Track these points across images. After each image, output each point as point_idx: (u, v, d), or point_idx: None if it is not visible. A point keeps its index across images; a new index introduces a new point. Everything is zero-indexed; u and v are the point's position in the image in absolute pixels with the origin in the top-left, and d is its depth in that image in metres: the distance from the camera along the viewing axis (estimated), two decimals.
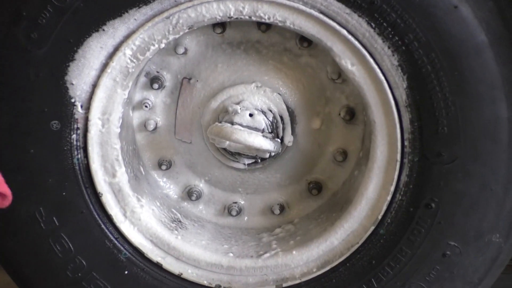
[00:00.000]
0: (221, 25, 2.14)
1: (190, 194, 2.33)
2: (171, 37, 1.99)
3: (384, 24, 1.88)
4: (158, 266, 2.17)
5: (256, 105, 2.15)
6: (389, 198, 2.03)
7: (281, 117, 2.18)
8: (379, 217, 2.05)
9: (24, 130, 2.00)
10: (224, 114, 2.16)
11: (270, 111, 2.15)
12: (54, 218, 2.08)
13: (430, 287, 2.07)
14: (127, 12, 1.93)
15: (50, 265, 2.13)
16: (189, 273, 2.18)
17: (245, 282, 2.19)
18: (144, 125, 2.27)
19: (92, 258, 2.11)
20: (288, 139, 2.20)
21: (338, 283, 2.11)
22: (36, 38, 1.92)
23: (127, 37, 1.96)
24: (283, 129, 2.19)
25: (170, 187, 2.35)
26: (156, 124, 2.28)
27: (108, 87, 2.02)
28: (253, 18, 1.95)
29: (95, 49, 1.96)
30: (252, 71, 2.20)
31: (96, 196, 2.09)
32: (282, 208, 2.34)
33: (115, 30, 1.95)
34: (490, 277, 2.08)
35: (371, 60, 1.93)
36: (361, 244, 2.09)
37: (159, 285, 2.17)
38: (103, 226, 2.11)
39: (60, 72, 1.97)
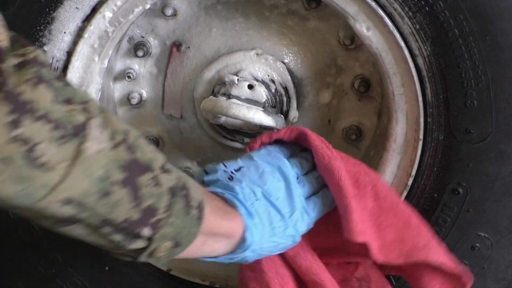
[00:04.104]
0: None
1: None
2: None
3: None
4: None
5: (256, 75, 2.13)
6: (410, 182, 2.03)
7: (285, 89, 2.16)
8: None
9: None
10: (220, 86, 2.14)
11: (273, 82, 2.14)
12: None
13: None
14: None
15: (20, 260, 2.13)
16: (179, 269, 2.17)
17: None
18: (127, 98, 2.26)
19: (68, 252, 2.11)
20: (293, 114, 2.18)
21: None
22: None
23: None
24: (288, 103, 2.17)
25: None
26: (141, 97, 2.27)
27: (85, 54, 2.00)
28: None
29: (69, 10, 1.93)
30: (252, 36, 2.18)
31: None
32: None
33: None
34: None
35: (390, 24, 1.91)
36: None
37: (144, 283, 2.16)
38: None
39: (29, 37, 1.94)
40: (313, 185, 1.82)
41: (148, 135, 2.30)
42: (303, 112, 2.22)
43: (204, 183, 1.74)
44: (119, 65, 2.23)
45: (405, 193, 2.04)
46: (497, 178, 1.96)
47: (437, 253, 1.83)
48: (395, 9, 1.89)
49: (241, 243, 1.61)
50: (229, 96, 2.08)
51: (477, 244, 2.03)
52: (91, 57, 2.01)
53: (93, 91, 2.04)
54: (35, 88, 1.20)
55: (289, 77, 2.17)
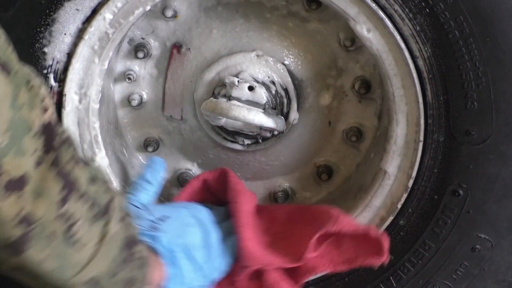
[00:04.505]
0: None
1: (181, 179, 2.32)
2: None
3: None
4: None
5: (256, 76, 2.13)
6: (410, 184, 2.02)
7: (286, 91, 2.16)
8: (399, 206, 2.05)
9: None
10: (220, 88, 2.14)
11: (273, 83, 2.14)
12: None
13: (457, 286, 2.07)
14: None
15: None
16: None
17: None
18: (127, 100, 2.25)
19: None
20: (294, 116, 2.18)
21: (351, 282, 2.11)
22: None
23: None
24: (288, 104, 2.17)
25: None
26: (141, 98, 2.26)
27: (86, 56, 2.00)
28: None
29: (70, 12, 1.93)
30: (252, 37, 2.17)
31: None
32: (286, 195, 2.34)
33: None
34: None
35: (390, 25, 1.91)
36: None
37: None
38: None
39: (30, 39, 1.94)
40: (227, 229, 1.92)
41: (148, 136, 2.30)
42: (304, 114, 2.22)
43: None
44: (119, 67, 2.23)
45: (405, 195, 2.04)
46: (497, 179, 1.96)
47: (346, 221, 1.90)
48: (395, 11, 1.89)
49: None
50: (229, 97, 2.08)
51: (478, 246, 2.02)
52: (91, 59, 2.01)
53: (93, 93, 2.04)
54: (76, 167, 1.25)
55: (289, 79, 2.17)
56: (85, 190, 1.26)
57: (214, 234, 1.86)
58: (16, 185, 1.14)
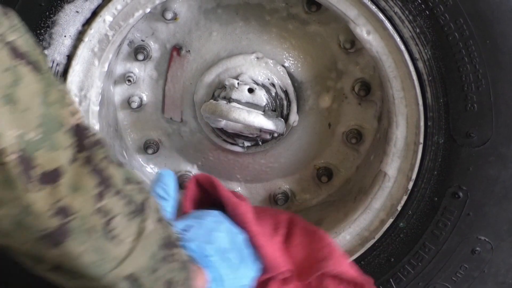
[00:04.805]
0: None
1: (181, 182, 2.32)
2: (157, 1, 1.96)
3: None
4: None
5: (256, 79, 2.13)
6: (410, 186, 2.02)
7: (286, 93, 2.16)
8: (399, 208, 2.05)
9: None
10: (220, 90, 2.14)
11: (273, 86, 2.14)
12: None
13: None
14: None
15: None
16: None
17: None
18: (127, 102, 2.25)
19: None
20: (294, 118, 2.18)
21: None
22: (0, 1, 1.89)
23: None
24: (288, 106, 2.17)
25: None
26: (141, 100, 2.26)
27: (85, 58, 2.00)
28: None
29: (70, 14, 1.93)
30: (252, 40, 2.17)
31: None
32: (286, 197, 2.34)
33: None
34: None
35: (390, 27, 1.91)
36: (377, 239, 2.09)
37: None
38: None
39: None
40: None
41: (148, 138, 2.30)
42: (304, 116, 2.22)
43: None
44: (119, 69, 2.23)
45: (405, 197, 2.03)
46: (497, 181, 1.96)
47: (339, 262, 1.92)
48: (395, 13, 1.89)
49: None
50: (229, 99, 2.08)
51: (477, 248, 2.02)
52: (91, 61, 2.01)
53: (93, 95, 2.04)
54: (110, 166, 1.27)
55: (289, 81, 2.17)
56: (121, 188, 1.28)
57: (240, 236, 1.83)
58: (51, 177, 1.17)
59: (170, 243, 1.45)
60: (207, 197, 2.00)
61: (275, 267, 1.84)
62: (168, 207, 1.81)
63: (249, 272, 1.81)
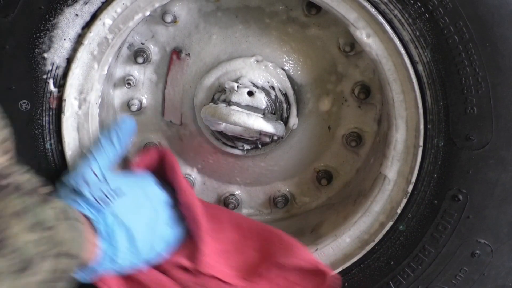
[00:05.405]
0: None
1: None
2: (157, 4, 1.96)
3: None
4: None
5: (256, 82, 2.13)
6: (410, 189, 2.02)
7: (285, 96, 2.16)
8: (399, 211, 2.04)
9: None
10: (220, 93, 2.14)
11: (273, 89, 2.14)
12: None
13: None
14: None
15: None
16: None
17: None
18: (127, 105, 2.25)
19: None
20: (293, 121, 2.18)
21: (350, 287, 2.10)
22: (0, 4, 1.89)
23: (106, 3, 1.93)
24: (288, 109, 2.17)
25: None
26: (141, 104, 2.26)
27: (85, 61, 2.00)
28: None
29: (69, 17, 1.93)
30: (252, 43, 2.17)
31: None
32: (286, 200, 2.34)
33: None
34: None
35: (390, 30, 1.91)
36: (377, 242, 2.08)
37: None
38: None
39: (29, 44, 1.94)
40: (175, 217, 2.01)
41: (148, 141, 2.30)
42: (303, 119, 2.22)
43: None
44: (119, 72, 2.23)
45: (405, 200, 2.03)
46: (497, 184, 1.96)
47: (299, 253, 2.01)
48: (395, 16, 1.89)
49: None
50: (229, 103, 2.08)
51: (477, 251, 2.02)
52: (91, 64, 2.01)
53: (93, 98, 2.03)
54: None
55: (289, 84, 2.17)
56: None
57: (163, 219, 1.93)
58: None
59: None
60: (160, 171, 2.07)
61: (204, 265, 1.95)
62: (113, 154, 1.93)
63: (150, 255, 1.91)
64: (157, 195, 1.99)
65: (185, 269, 1.97)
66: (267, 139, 2.14)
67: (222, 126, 2.10)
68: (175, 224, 1.99)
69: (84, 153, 2.01)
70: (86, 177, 1.88)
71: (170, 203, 2.01)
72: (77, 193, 1.86)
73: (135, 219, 1.85)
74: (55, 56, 1.97)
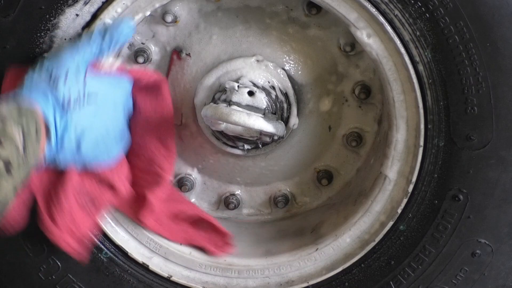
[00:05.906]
0: None
1: (181, 184, 2.32)
2: (157, 4, 1.97)
3: None
4: (144, 267, 2.16)
5: (256, 81, 2.13)
6: (410, 189, 2.02)
7: (286, 96, 2.16)
8: (399, 211, 2.05)
9: None
10: (221, 93, 2.14)
11: (273, 88, 2.13)
12: None
13: None
14: None
15: (20, 266, 2.12)
16: (180, 275, 2.18)
17: (244, 286, 2.19)
18: None
19: (67, 259, 2.08)
20: (294, 121, 2.18)
21: (351, 287, 2.10)
22: (1, 4, 1.89)
23: (107, 3, 1.93)
24: (288, 109, 2.17)
25: None
26: None
27: None
28: None
29: (70, 17, 1.93)
30: (252, 43, 2.17)
31: None
32: (286, 200, 2.34)
33: None
34: None
35: (390, 30, 1.91)
36: (378, 242, 2.09)
37: None
38: None
39: (30, 44, 1.94)
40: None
41: None
42: (304, 119, 2.22)
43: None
44: None
45: (405, 200, 2.03)
46: (497, 184, 1.96)
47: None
48: (395, 16, 1.89)
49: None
50: (229, 102, 2.08)
51: (478, 251, 2.02)
52: None
53: None
54: None
55: (289, 84, 2.16)
56: None
57: (114, 134, 1.98)
58: None
59: None
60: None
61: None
62: (99, 51, 1.92)
63: (97, 158, 1.98)
64: (123, 104, 2.01)
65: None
66: (268, 139, 2.14)
67: (223, 126, 2.10)
68: (121, 140, 2.04)
69: (74, 41, 1.97)
70: (67, 70, 1.87)
71: (129, 115, 2.06)
72: (52, 82, 1.86)
73: (90, 130, 1.88)
74: None
